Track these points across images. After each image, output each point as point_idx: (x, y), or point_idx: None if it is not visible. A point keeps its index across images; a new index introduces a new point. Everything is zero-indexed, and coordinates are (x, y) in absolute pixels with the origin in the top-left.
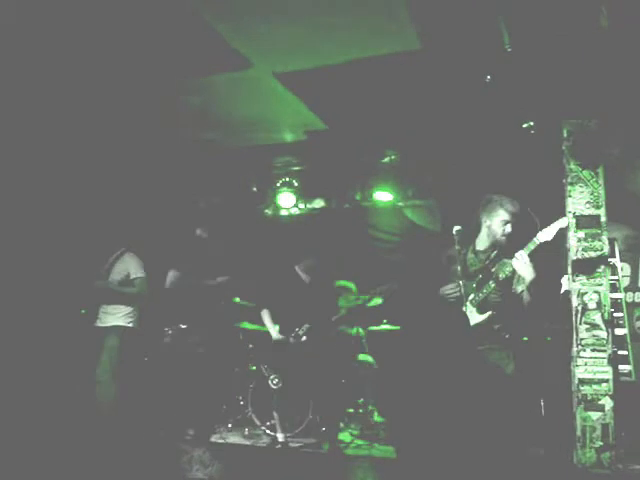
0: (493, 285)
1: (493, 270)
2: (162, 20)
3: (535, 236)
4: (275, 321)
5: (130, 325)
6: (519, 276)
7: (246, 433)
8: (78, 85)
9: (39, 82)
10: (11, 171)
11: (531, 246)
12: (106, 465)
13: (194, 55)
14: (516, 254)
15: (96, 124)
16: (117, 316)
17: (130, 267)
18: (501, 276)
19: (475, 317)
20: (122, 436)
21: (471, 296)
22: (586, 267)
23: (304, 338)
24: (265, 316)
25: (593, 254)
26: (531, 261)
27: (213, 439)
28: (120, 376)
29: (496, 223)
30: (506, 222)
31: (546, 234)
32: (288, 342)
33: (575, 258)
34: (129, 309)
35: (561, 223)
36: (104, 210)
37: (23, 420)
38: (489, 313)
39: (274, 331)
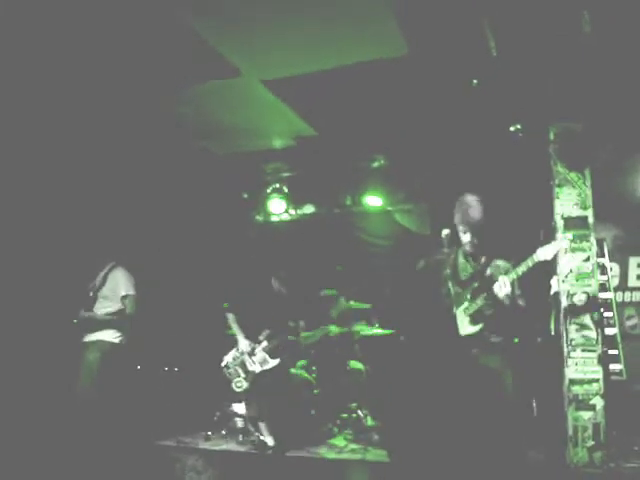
0: (486, 298)
1: (487, 275)
2: (150, 29)
3: (534, 253)
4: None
5: (116, 341)
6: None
7: (240, 439)
8: (72, 98)
9: (31, 93)
10: (6, 182)
11: (529, 262)
12: (100, 475)
13: (182, 64)
14: (499, 280)
15: (86, 132)
16: (103, 330)
17: (120, 283)
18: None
19: (467, 328)
20: (115, 445)
21: (464, 305)
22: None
23: (264, 344)
24: (232, 320)
25: (582, 255)
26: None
27: (207, 446)
28: (103, 390)
29: (459, 230)
30: (464, 231)
31: (545, 252)
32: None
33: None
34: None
35: (561, 244)
36: (93, 222)
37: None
38: (481, 326)
39: (241, 336)
